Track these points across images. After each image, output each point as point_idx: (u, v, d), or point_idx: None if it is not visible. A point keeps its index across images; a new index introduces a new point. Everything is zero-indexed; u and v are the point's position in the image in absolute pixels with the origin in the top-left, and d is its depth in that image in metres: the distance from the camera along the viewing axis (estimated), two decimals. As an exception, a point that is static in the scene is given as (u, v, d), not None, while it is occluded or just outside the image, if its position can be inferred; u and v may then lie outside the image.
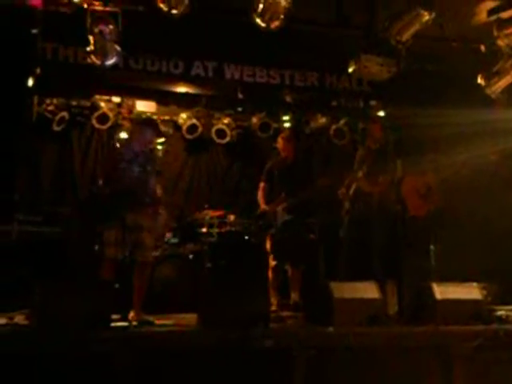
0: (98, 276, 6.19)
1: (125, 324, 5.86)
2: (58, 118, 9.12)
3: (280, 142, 7.81)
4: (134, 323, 5.86)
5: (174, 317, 6.55)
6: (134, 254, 6.20)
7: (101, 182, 6.44)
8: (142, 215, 6.23)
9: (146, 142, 6.37)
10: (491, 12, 7.17)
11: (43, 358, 4.82)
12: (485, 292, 6.39)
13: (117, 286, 6.53)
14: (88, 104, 9.31)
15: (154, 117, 9.93)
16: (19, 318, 5.52)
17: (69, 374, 4.85)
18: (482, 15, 7.29)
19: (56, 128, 9.14)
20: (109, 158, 7.10)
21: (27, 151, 8.41)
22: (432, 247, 7.37)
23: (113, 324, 5.59)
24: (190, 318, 6.08)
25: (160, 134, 6.56)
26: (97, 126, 9.21)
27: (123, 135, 9.57)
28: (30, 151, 8.73)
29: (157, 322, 6.11)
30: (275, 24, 6.34)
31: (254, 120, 10.00)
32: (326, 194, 7.61)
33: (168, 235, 8.55)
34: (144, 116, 9.82)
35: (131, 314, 6.11)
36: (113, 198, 6.25)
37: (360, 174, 7.24)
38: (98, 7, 6.59)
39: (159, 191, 8.80)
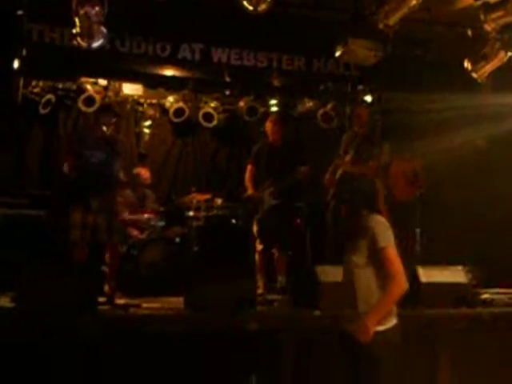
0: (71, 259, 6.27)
1: (110, 307, 5.88)
2: (44, 100, 9.04)
3: (268, 126, 7.79)
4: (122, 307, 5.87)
5: (161, 300, 6.57)
6: (100, 236, 6.30)
7: (66, 167, 6.48)
8: (106, 198, 6.35)
9: (105, 126, 6.42)
10: (478, -5, 7.16)
11: (29, 341, 4.82)
12: (470, 275, 6.44)
13: (103, 268, 6.59)
14: (74, 87, 9.23)
15: (141, 100, 9.90)
16: (5, 301, 5.51)
17: (54, 357, 4.87)
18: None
19: (42, 111, 9.07)
20: (70, 144, 7.13)
21: (13, 134, 8.36)
22: (418, 231, 7.40)
23: (99, 307, 5.62)
24: (176, 302, 6.10)
25: (116, 115, 6.59)
26: (83, 108, 9.13)
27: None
28: (16, 134, 8.67)
29: (143, 304, 6.12)
30: (262, 7, 6.29)
31: (241, 104, 9.97)
32: (312, 179, 7.61)
33: (154, 218, 8.54)
34: (130, 99, 9.80)
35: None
36: (78, 183, 6.37)
37: (347, 157, 7.25)
38: (84, -12, 6.52)
39: (146, 175, 8.88)
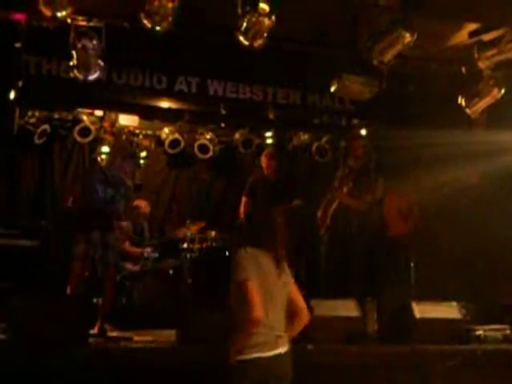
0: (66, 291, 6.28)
1: (102, 339, 5.84)
2: (39, 130, 9.06)
3: (263, 160, 7.84)
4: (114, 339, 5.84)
5: (153, 333, 6.52)
6: (99, 269, 6.33)
7: (71, 199, 6.55)
8: (107, 234, 6.40)
9: (125, 171, 6.55)
10: (472, 34, 7.27)
11: (18, 373, 4.78)
12: (464, 311, 6.43)
13: (95, 300, 6.56)
14: (70, 117, 9.26)
15: (137, 131, 9.93)
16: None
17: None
18: (463, 37, 7.38)
19: (37, 141, 9.09)
20: (84, 177, 7.24)
21: (7, 163, 8.37)
22: (412, 266, 7.40)
23: (90, 339, 5.59)
24: (169, 334, 6.05)
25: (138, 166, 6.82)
26: (78, 139, 9.16)
27: (105, 149, 9.55)
28: (11, 163, 8.68)
29: (135, 337, 6.08)
30: (258, 42, 6.36)
31: (237, 136, 10.02)
32: (306, 212, 7.63)
33: (149, 250, 8.53)
34: (126, 130, 9.83)
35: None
36: (82, 216, 6.44)
37: (344, 190, 7.27)
38: (82, 22, 6.60)
39: (146, 208, 8.91)
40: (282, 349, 3.87)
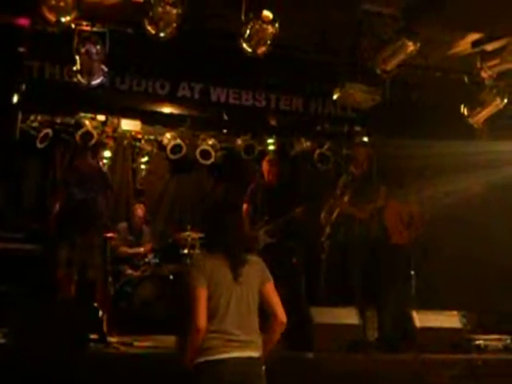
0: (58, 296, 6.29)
1: (102, 345, 5.83)
2: (41, 134, 9.05)
3: (264, 167, 7.84)
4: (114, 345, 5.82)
5: (153, 338, 6.52)
6: (88, 274, 6.32)
7: (57, 206, 6.59)
8: (91, 236, 6.38)
9: (89, 164, 6.53)
10: (475, 44, 7.27)
11: (19, 378, 4.77)
12: (464, 320, 6.43)
13: (95, 305, 6.56)
14: (72, 121, 9.26)
15: (139, 136, 9.94)
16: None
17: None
18: (465, 46, 7.39)
19: (39, 145, 9.09)
20: (59, 185, 7.26)
21: (10, 167, 8.37)
22: (412, 274, 7.40)
23: (90, 344, 5.58)
24: (169, 340, 6.05)
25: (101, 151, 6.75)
26: (80, 143, 9.16)
27: (107, 154, 9.58)
28: (13, 167, 8.68)
29: (135, 343, 6.07)
30: (262, 49, 6.37)
31: (239, 142, 10.02)
32: (308, 219, 7.63)
33: (149, 256, 8.55)
34: (128, 134, 9.84)
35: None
36: (63, 221, 6.45)
37: (345, 198, 7.27)
38: (86, 27, 6.61)
39: (141, 212, 8.96)
40: (241, 353, 3.77)
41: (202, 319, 3.73)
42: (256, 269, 3.98)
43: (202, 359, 3.74)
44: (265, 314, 3.95)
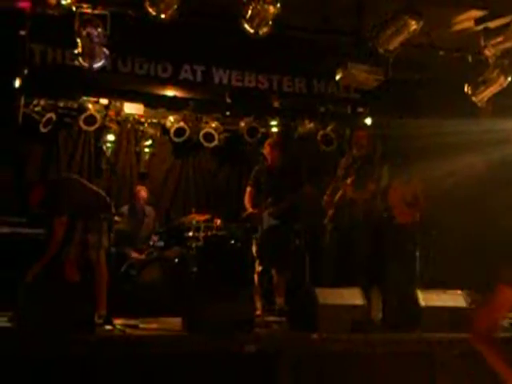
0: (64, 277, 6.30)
1: (108, 327, 5.85)
2: (45, 119, 9.06)
3: (267, 149, 7.81)
4: (119, 327, 5.83)
5: (159, 321, 6.54)
6: (89, 254, 6.36)
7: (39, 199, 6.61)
8: (99, 220, 6.45)
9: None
10: (478, 21, 7.22)
11: (25, 361, 4.80)
12: (469, 299, 6.42)
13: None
14: (75, 105, 9.27)
15: (142, 119, 9.93)
16: (2, 320, 5.49)
17: (51, 378, 4.84)
18: (469, 24, 7.34)
19: (43, 129, 9.09)
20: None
21: (13, 152, 8.37)
22: (417, 254, 7.39)
23: (96, 327, 5.60)
24: (174, 322, 6.08)
25: None
26: (84, 127, 9.17)
27: (110, 137, 9.57)
28: (17, 152, 8.69)
29: (141, 325, 6.09)
30: (263, 30, 6.34)
31: (242, 124, 10.01)
32: (311, 201, 7.62)
33: (154, 238, 8.56)
34: (131, 118, 9.83)
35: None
36: (82, 204, 6.49)
37: (348, 180, 7.25)
38: (87, 10, 6.57)
39: (144, 193, 9.00)
40: None
41: None
42: None
43: None
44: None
